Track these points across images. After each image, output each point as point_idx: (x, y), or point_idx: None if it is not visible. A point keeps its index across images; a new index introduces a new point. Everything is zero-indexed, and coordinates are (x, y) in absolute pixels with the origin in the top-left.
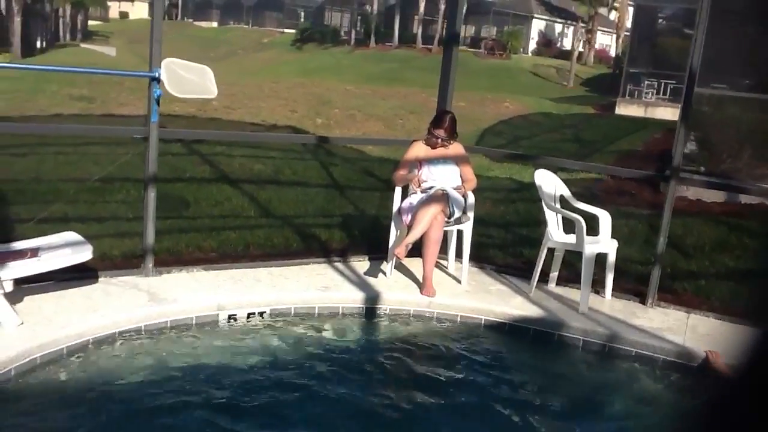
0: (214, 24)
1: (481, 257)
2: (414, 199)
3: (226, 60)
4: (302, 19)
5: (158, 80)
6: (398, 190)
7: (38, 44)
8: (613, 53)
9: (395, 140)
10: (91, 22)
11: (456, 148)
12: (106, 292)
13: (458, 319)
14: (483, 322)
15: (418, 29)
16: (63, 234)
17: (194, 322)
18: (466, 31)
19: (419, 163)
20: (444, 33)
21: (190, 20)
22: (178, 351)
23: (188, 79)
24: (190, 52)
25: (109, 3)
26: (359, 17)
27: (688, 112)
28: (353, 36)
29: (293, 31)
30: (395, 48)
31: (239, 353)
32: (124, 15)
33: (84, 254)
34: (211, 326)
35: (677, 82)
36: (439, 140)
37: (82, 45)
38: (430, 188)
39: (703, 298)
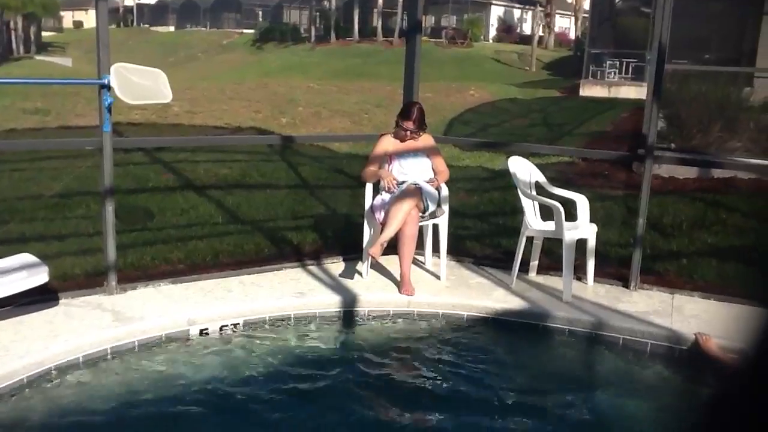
0: (171, 28)
1: (458, 250)
2: (386, 195)
3: (187, 64)
4: (260, 19)
5: (108, 87)
6: (369, 187)
7: None
8: (573, 35)
9: (361, 135)
10: (45, 33)
11: (426, 140)
12: (68, 314)
13: (440, 317)
14: (465, 317)
15: (378, 22)
16: (17, 256)
17: (164, 339)
18: (426, 21)
19: (389, 157)
20: (405, 24)
21: (147, 25)
22: (148, 372)
23: (140, 84)
24: (149, 57)
25: (62, 13)
26: (318, 13)
27: (659, 89)
28: (313, 33)
29: (252, 31)
30: (357, 42)
31: (213, 369)
32: (78, 24)
33: (39, 277)
34: (181, 343)
35: (639, 61)
36: (408, 132)
37: (37, 57)
38: (402, 183)
39: (687, 277)
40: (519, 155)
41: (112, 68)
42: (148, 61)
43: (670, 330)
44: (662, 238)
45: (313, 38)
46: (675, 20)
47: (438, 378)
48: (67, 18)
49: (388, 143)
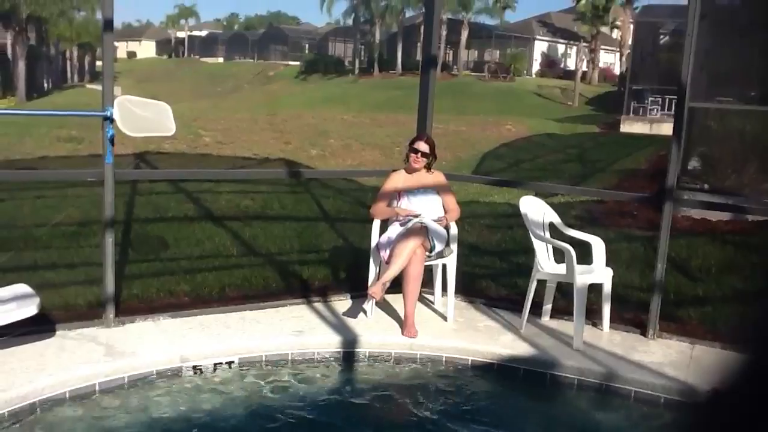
0: (220, 59)
1: (472, 290)
2: (392, 232)
3: (232, 94)
4: (306, 51)
5: (111, 119)
6: (376, 224)
7: (45, 86)
8: (617, 71)
9: (373, 170)
10: (99, 63)
11: (437, 177)
12: (61, 347)
13: (443, 361)
14: (470, 363)
15: (420, 56)
16: (12, 287)
17: (155, 376)
18: (470, 55)
19: (398, 194)
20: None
21: (197, 56)
22: (134, 411)
23: (143, 117)
24: (197, 87)
25: (116, 43)
26: (362, 46)
27: (680, 128)
28: (357, 65)
29: (298, 63)
30: (399, 75)
31: (202, 409)
32: (132, 55)
33: (28, 309)
34: (173, 380)
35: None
36: (420, 155)
37: (88, 86)
38: (409, 221)
39: (709, 326)
40: (532, 193)
41: (117, 101)
42: (196, 90)
43: (686, 384)
44: (688, 282)
45: (356, 70)
46: (718, 56)
47: (432, 425)
48: (122, 48)
49: (398, 179)
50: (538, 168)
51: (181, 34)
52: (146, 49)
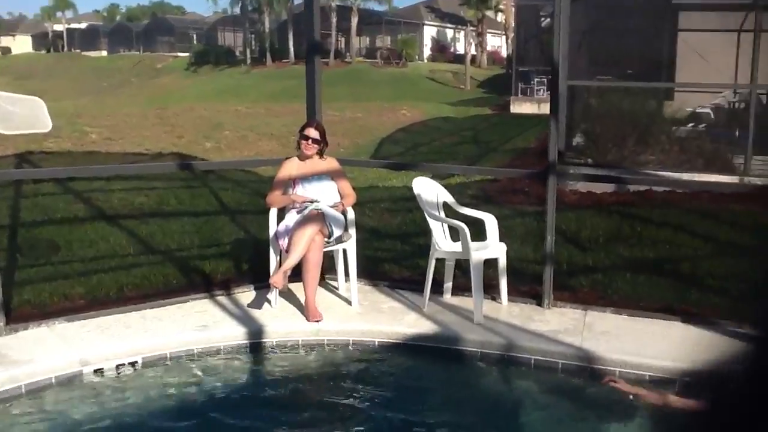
0: (104, 53)
1: (375, 273)
2: (290, 220)
3: (119, 89)
4: (194, 42)
5: None
6: (273, 213)
7: None
8: (505, 54)
9: (267, 160)
10: None
11: (330, 163)
12: None
13: (350, 345)
14: (376, 344)
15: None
16: None
17: (54, 382)
18: (361, 42)
19: (293, 181)
20: (341, 45)
21: (78, 51)
22: (34, 420)
23: (15, 113)
24: (82, 83)
25: None
26: (252, 35)
27: (556, 106)
28: (249, 55)
29: (187, 54)
30: (293, 64)
31: (107, 412)
32: (6, 50)
33: None
34: (73, 385)
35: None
36: (311, 142)
37: None
38: (305, 208)
39: (600, 292)
40: (431, 176)
41: None
42: (79, 86)
43: (580, 348)
44: (579, 253)
45: (248, 60)
46: (599, 37)
47: (344, 408)
48: None
49: (291, 167)
50: (434, 151)
51: (58, 27)
52: (22, 44)
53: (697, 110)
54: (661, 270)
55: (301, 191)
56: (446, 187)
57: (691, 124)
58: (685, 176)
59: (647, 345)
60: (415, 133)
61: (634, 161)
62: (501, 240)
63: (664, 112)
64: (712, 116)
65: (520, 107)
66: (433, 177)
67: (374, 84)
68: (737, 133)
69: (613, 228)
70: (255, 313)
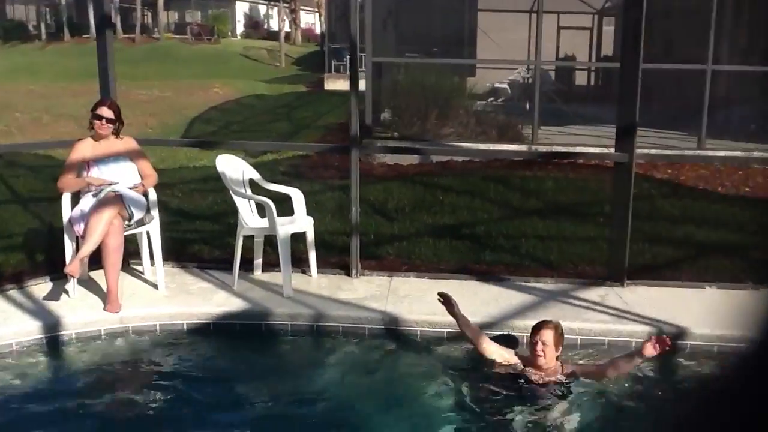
0: None
1: (184, 255)
2: (85, 205)
3: None
4: None
5: None
6: (66, 198)
7: None
8: (318, 31)
9: (57, 142)
10: None
11: (127, 143)
12: None
13: (157, 329)
14: (185, 326)
15: (116, 18)
16: None
17: None
18: (170, 17)
19: (87, 164)
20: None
21: None
22: None
23: None
24: None
25: None
26: (47, 9)
27: (355, 81)
28: (44, 30)
29: None
30: (94, 40)
31: None
32: None
33: None
34: None
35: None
36: (104, 122)
37: None
38: (101, 191)
39: (405, 259)
40: (231, 152)
41: None
42: None
43: (385, 313)
44: (386, 222)
45: (44, 36)
46: (408, 14)
47: (150, 393)
48: None
49: (85, 148)
50: (247, 129)
51: None
52: None
53: (495, 85)
54: (460, 234)
55: (97, 173)
56: (258, 164)
57: (491, 99)
58: (482, 146)
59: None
60: (227, 111)
61: (437, 134)
62: (310, 214)
63: (467, 88)
64: (509, 91)
65: (334, 84)
66: (246, 155)
67: (184, 61)
68: (527, 106)
69: (417, 197)
70: (52, 305)
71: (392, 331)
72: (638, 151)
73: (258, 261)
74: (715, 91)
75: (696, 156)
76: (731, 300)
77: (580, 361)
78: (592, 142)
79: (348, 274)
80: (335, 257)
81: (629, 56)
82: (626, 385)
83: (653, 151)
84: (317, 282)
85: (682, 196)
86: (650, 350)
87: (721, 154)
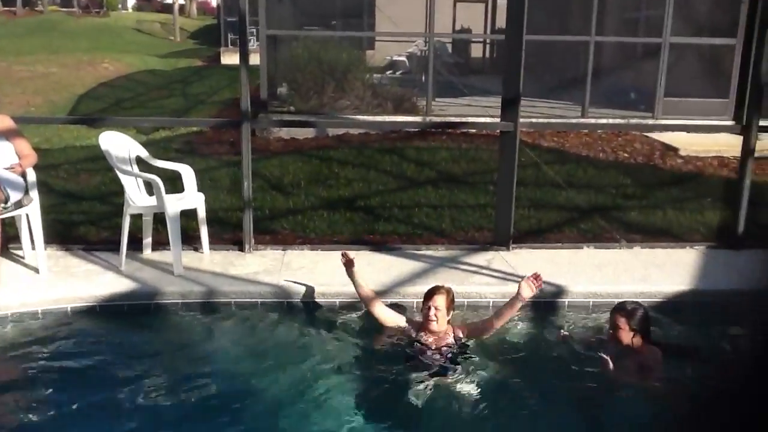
0: None
1: (69, 238)
2: None
3: None
4: None
5: None
6: None
7: None
8: (215, 3)
9: None
10: None
11: (3, 122)
12: None
13: (39, 314)
14: (69, 310)
15: None
16: None
17: None
18: None
19: None
20: None
21: None
22: None
23: None
24: None
25: None
26: None
27: (245, 55)
28: None
29: None
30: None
31: None
32: None
33: None
34: None
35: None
36: None
37: None
38: None
39: (300, 232)
40: (118, 128)
41: None
42: None
43: (277, 286)
44: (282, 197)
45: None
46: None
47: (31, 382)
48: None
49: None
50: (140, 105)
51: None
52: None
53: (394, 58)
54: (355, 206)
55: None
56: (151, 142)
57: (389, 72)
58: (378, 119)
59: (337, 275)
60: (118, 87)
61: (333, 107)
62: (205, 191)
63: (366, 61)
64: (407, 63)
65: (231, 58)
66: (137, 132)
67: (71, 35)
68: (423, 79)
69: (313, 171)
70: None
71: (284, 303)
72: (523, 120)
73: (147, 240)
74: (598, 62)
75: (578, 123)
76: (606, 258)
77: (468, 321)
78: (483, 113)
79: (241, 249)
80: (229, 233)
81: (513, 28)
82: (514, 341)
83: (540, 120)
84: (209, 258)
85: (565, 162)
86: (526, 290)
87: (602, 121)
